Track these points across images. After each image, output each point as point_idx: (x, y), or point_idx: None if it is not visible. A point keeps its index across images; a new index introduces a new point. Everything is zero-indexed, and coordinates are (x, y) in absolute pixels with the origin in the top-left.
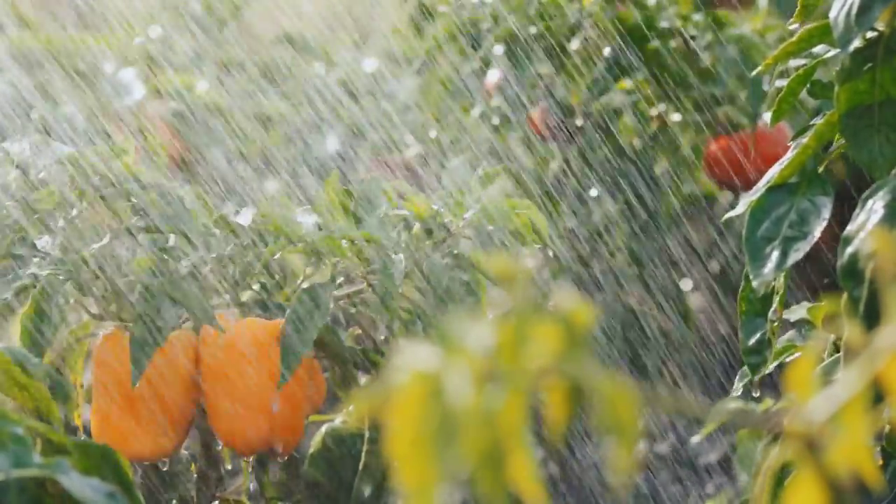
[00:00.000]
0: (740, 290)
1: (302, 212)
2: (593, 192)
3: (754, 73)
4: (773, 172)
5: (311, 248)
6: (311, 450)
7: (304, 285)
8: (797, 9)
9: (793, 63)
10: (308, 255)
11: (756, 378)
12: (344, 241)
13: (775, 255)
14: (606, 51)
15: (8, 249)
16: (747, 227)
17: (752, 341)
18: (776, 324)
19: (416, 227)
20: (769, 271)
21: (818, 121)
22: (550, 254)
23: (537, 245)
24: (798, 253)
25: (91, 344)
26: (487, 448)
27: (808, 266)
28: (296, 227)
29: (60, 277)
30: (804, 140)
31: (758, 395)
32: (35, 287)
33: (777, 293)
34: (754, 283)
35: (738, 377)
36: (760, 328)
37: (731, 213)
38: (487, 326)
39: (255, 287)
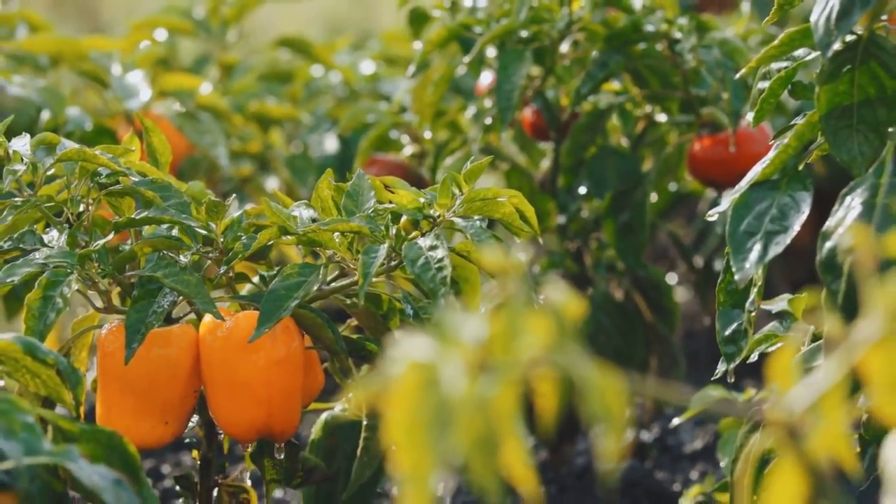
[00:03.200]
0: (719, 281)
1: (297, 206)
2: (582, 189)
3: (737, 75)
4: (755, 171)
5: (303, 239)
6: (312, 436)
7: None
8: (773, 9)
9: (774, 66)
10: (305, 249)
11: (731, 367)
12: (336, 234)
13: (757, 248)
14: (594, 53)
15: (17, 243)
16: (730, 222)
17: (728, 331)
18: (754, 314)
19: (404, 219)
20: (751, 265)
21: (799, 121)
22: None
23: (527, 232)
24: (778, 247)
25: (96, 336)
26: (481, 436)
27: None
28: (291, 220)
29: (67, 270)
30: (785, 140)
31: (735, 381)
32: (43, 273)
33: (755, 285)
34: (736, 277)
35: (720, 361)
36: (737, 319)
37: (715, 210)
38: (481, 318)
39: (255, 280)
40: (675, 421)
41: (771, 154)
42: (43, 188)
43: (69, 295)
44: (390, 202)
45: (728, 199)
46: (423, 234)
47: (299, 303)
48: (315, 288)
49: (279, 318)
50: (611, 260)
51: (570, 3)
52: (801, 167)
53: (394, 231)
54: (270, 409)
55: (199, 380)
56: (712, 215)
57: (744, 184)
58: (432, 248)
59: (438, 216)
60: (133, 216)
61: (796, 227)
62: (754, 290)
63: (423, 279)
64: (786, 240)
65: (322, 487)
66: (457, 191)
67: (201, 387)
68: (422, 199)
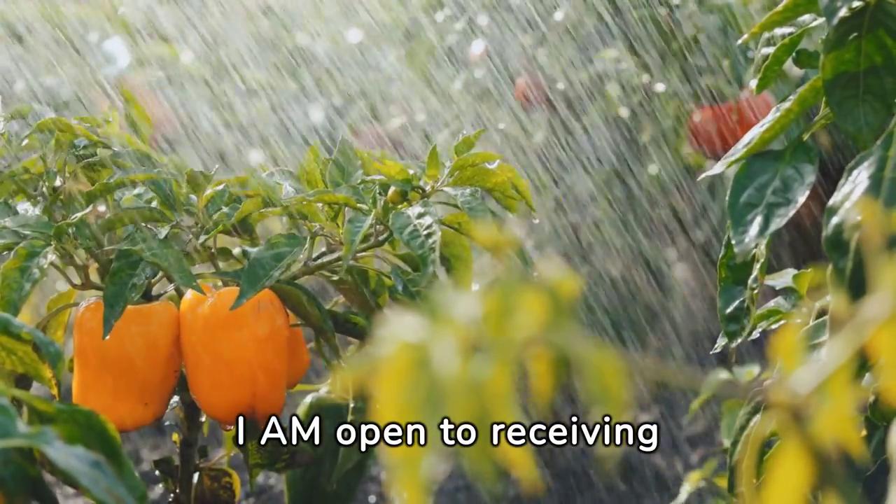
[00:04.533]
0: (720, 257)
1: (280, 174)
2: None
3: (739, 41)
4: (753, 134)
5: (287, 211)
6: (297, 419)
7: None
8: None
9: (778, 31)
10: (289, 221)
11: (733, 345)
12: (320, 205)
13: (758, 221)
14: (590, 21)
15: None
16: (731, 193)
17: (730, 309)
18: (756, 291)
19: (392, 190)
20: (751, 238)
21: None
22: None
23: (520, 204)
24: (781, 219)
25: (72, 314)
26: (475, 418)
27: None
28: (274, 191)
29: (41, 242)
30: (787, 104)
31: (736, 359)
32: (19, 244)
33: (758, 261)
34: (736, 250)
35: (720, 337)
36: (739, 296)
37: (708, 173)
38: (473, 296)
39: (236, 252)
40: (693, 407)
41: (771, 118)
42: (26, 162)
43: (46, 266)
44: (378, 173)
45: (723, 163)
46: (411, 206)
47: (283, 273)
48: (300, 260)
49: (262, 287)
50: (608, 235)
51: None
52: (805, 137)
53: (381, 203)
54: (254, 389)
55: (180, 359)
56: (705, 179)
57: (740, 147)
58: (420, 215)
59: (428, 187)
60: (107, 180)
61: (800, 200)
62: (757, 266)
63: (412, 246)
64: (789, 212)
65: (307, 471)
66: (445, 160)
67: (182, 366)
68: (410, 170)
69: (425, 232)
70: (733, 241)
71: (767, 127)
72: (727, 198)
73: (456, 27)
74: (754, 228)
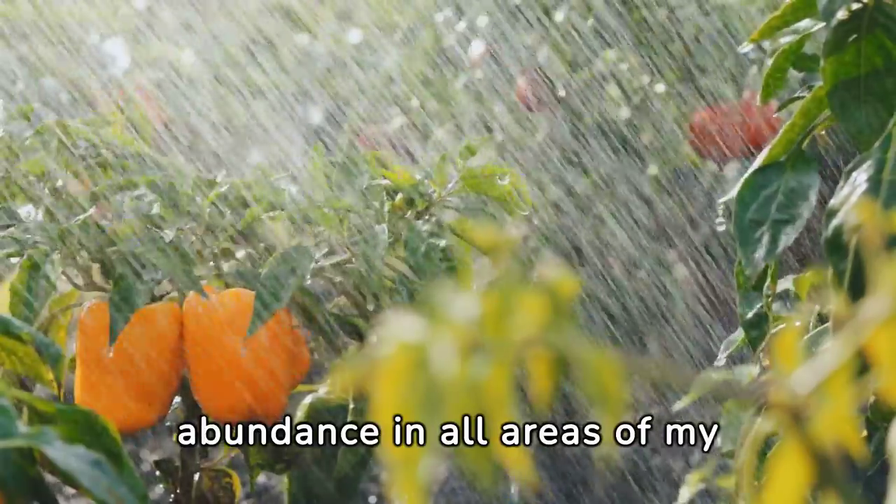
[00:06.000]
0: (736, 263)
1: (283, 177)
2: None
3: (741, 48)
4: (763, 155)
5: (293, 216)
6: (297, 419)
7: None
8: None
9: (782, 41)
10: (292, 224)
11: (758, 351)
12: (326, 210)
13: (765, 240)
14: (590, 21)
15: None
16: (736, 209)
17: (750, 315)
18: (770, 298)
19: (399, 196)
20: (760, 258)
21: (804, 93)
22: (535, 222)
23: (522, 212)
24: (788, 237)
25: (75, 314)
26: (473, 418)
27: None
28: (279, 195)
29: (46, 247)
30: (791, 117)
31: (736, 364)
32: (22, 255)
33: (770, 267)
34: (746, 271)
35: (722, 347)
36: (758, 301)
37: (726, 198)
38: (472, 297)
39: (240, 255)
40: (678, 405)
41: (778, 135)
42: (27, 163)
43: (54, 278)
44: (383, 177)
45: (740, 183)
46: (418, 214)
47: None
48: (310, 269)
49: (276, 309)
50: (608, 235)
51: None
52: (805, 146)
53: (387, 208)
54: (256, 390)
55: (183, 360)
56: (722, 203)
57: (753, 168)
58: (434, 234)
59: (434, 193)
60: (110, 181)
61: (805, 215)
62: (768, 273)
63: (427, 268)
64: (795, 230)
65: (307, 472)
66: (452, 168)
67: (185, 367)
68: (417, 176)
69: (440, 256)
70: (742, 262)
71: (775, 143)
72: (733, 213)
73: (457, 27)
74: (762, 248)
